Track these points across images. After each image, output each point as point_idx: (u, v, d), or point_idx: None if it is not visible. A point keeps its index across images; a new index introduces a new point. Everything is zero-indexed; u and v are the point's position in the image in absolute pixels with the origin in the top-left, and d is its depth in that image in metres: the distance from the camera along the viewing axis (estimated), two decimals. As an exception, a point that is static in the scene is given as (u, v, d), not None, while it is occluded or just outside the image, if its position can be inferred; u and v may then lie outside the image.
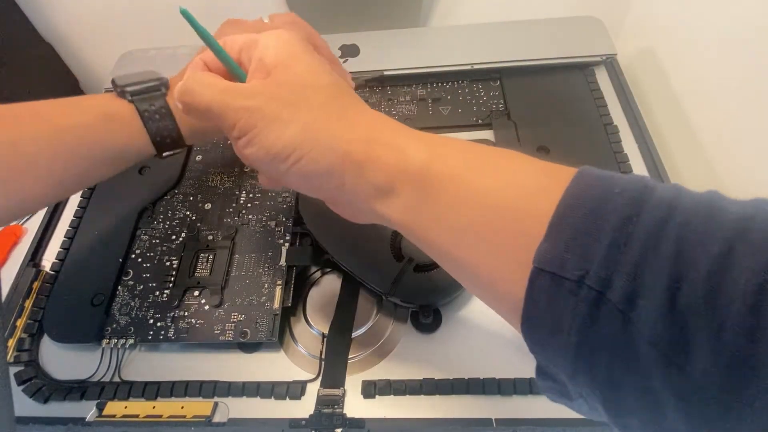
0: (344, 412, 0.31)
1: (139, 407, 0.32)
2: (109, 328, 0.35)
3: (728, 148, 0.39)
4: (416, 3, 0.54)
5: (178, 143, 0.31)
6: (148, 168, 0.44)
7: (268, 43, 0.22)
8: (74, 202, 0.43)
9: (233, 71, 0.23)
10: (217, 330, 0.34)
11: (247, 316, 0.34)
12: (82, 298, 0.36)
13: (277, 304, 0.35)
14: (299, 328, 0.36)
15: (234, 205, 0.41)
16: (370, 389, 0.32)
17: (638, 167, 0.40)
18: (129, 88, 0.30)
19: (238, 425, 0.31)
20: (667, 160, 0.40)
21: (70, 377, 0.34)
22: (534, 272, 0.16)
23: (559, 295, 0.15)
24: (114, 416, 0.32)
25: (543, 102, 0.44)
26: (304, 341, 0.35)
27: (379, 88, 0.47)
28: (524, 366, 0.32)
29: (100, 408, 0.32)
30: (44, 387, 0.34)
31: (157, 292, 0.36)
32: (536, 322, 0.16)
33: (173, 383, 0.33)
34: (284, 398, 0.32)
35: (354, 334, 0.35)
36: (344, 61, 0.48)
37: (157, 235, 0.40)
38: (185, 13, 0.21)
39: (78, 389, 0.33)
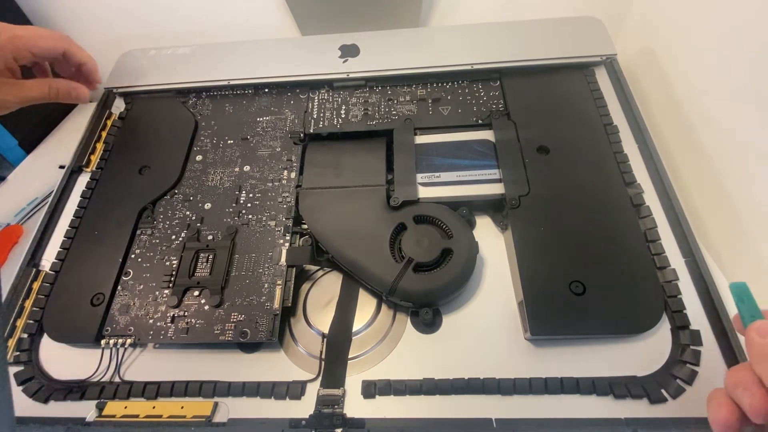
0: (344, 412, 0.31)
1: (139, 407, 0.32)
2: (109, 328, 0.35)
3: (728, 148, 0.39)
4: (416, 3, 0.54)
5: None
6: (148, 168, 0.44)
7: None
8: (74, 201, 0.43)
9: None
10: (217, 330, 0.34)
11: (247, 316, 0.34)
12: (82, 298, 0.36)
13: (277, 304, 0.35)
14: (299, 328, 0.36)
15: (234, 205, 0.41)
16: (370, 389, 0.32)
17: (638, 167, 0.40)
18: None
19: (238, 425, 0.31)
20: (667, 160, 0.40)
21: (70, 377, 0.34)
22: None
23: None
24: (114, 416, 0.32)
25: (543, 102, 0.44)
26: (304, 341, 0.35)
27: (379, 88, 0.47)
28: (524, 366, 0.32)
29: (100, 408, 0.32)
30: (44, 387, 0.34)
31: (157, 292, 0.36)
32: None
33: (173, 383, 0.33)
34: (284, 398, 0.32)
35: (354, 334, 0.35)
36: (344, 61, 0.48)
37: (157, 235, 0.40)
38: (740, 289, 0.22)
39: (78, 389, 0.33)
